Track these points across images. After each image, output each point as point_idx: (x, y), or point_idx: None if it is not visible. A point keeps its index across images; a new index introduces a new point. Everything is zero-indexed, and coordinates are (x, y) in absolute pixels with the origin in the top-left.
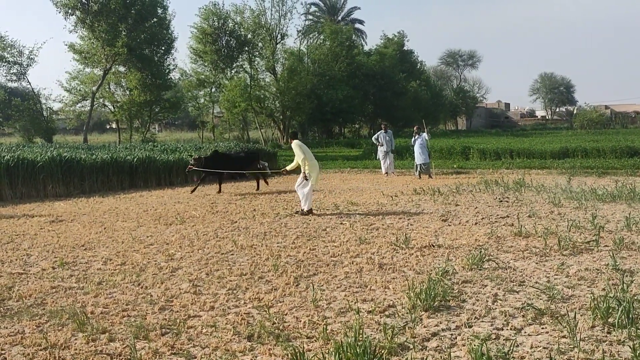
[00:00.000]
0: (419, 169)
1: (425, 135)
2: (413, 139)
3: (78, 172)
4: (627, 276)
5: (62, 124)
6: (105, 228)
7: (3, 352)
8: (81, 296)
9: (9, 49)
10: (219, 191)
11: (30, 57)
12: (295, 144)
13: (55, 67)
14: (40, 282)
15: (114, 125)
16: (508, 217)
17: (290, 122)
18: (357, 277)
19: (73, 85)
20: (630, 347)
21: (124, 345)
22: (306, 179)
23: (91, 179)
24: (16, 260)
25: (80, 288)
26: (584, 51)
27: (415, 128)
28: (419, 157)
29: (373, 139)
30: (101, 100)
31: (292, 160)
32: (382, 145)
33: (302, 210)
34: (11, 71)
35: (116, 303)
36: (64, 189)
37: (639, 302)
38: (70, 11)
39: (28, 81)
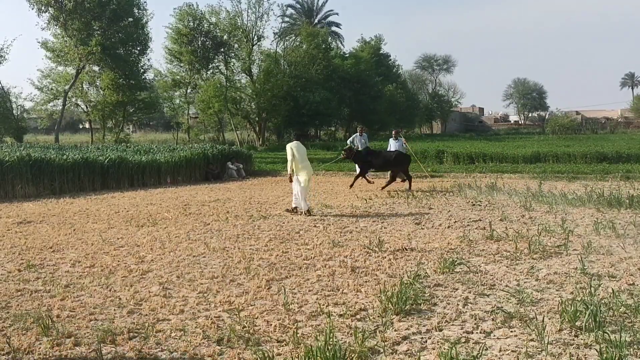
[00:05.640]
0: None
1: (402, 140)
2: (393, 143)
3: (48, 173)
4: (594, 280)
5: (33, 124)
6: (74, 230)
7: None
8: (47, 299)
9: None
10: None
11: (1, 54)
12: (287, 146)
13: (27, 64)
14: (5, 284)
15: (87, 125)
16: (480, 220)
17: (266, 124)
18: (329, 281)
19: (45, 84)
20: (597, 351)
21: (90, 350)
22: (291, 181)
23: (61, 179)
24: None
25: (46, 291)
26: (556, 57)
27: (394, 132)
28: None
29: (348, 141)
30: (74, 99)
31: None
32: (358, 148)
33: (292, 208)
34: None
35: (83, 306)
36: (33, 190)
37: (606, 305)
38: (43, 8)
39: None
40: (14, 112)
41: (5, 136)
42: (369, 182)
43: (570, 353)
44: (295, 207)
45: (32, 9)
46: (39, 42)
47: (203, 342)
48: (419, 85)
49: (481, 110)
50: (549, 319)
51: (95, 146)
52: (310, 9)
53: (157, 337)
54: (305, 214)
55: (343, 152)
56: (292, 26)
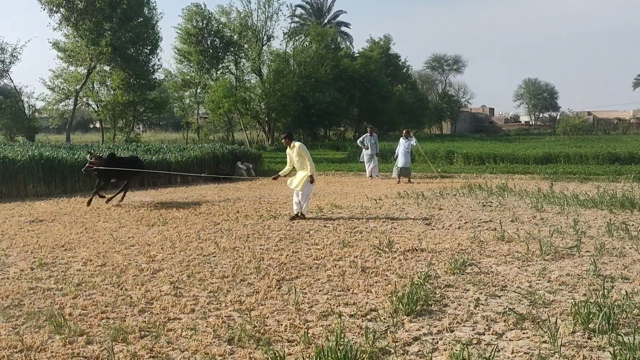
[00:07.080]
0: (399, 172)
1: (413, 141)
2: (403, 142)
3: (59, 172)
4: (607, 282)
5: (45, 123)
6: (86, 228)
7: None
8: (59, 297)
9: None
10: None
11: (14, 54)
12: (301, 146)
13: (39, 64)
14: (17, 282)
15: (97, 125)
16: (491, 221)
17: (275, 124)
18: (339, 281)
19: (56, 84)
20: (610, 353)
21: (102, 348)
22: (311, 182)
23: (73, 178)
24: None
25: (58, 289)
26: (567, 58)
27: (404, 132)
28: (401, 160)
29: (358, 142)
30: (85, 99)
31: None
32: (367, 148)
33: (301, 213)
34: None
35: (95, 305)
36: (45, 189)
37: (619, 307)
38: (55, 8)
39: (10, 79)
40: (26, 111)
41: (18, 135)
42: (101, 197)
43: (583, 355)
44: (302, 214)
45: (44, 9)
46: (50, 43)
47: (214, 342)
48: (429, 85)
49: (491, 110)
50: (562, 320)
51: (106, 145)
52: (319, 9)
53: (168, 336)
54: (295, 217)
55: (90, 161)
56: (302, 26)
